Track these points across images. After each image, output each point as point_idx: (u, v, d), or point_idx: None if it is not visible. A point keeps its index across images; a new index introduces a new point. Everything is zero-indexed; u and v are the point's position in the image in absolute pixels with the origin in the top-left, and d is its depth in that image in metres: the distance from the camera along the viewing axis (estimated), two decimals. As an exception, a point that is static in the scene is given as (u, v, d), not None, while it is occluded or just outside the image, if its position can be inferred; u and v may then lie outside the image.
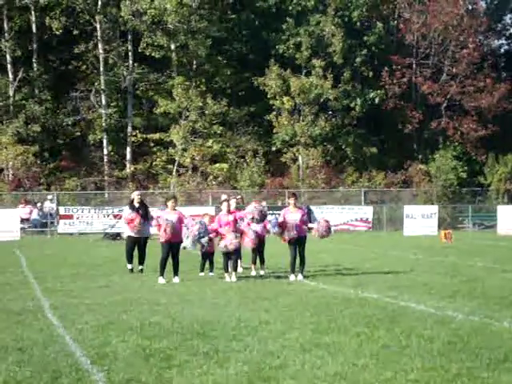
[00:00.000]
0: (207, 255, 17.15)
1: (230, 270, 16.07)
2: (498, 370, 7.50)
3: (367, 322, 10.31)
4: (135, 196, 18.17)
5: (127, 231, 18.24)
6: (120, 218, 18.65)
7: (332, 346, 8.70)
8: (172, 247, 15.80)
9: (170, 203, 16.08)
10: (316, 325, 10.11)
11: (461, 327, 9.86)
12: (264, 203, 18.13)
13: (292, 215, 16.25)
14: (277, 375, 7.35)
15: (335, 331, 9.62)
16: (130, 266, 17.97)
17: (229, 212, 16.21)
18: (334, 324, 10.15)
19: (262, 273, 17.42)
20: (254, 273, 17.52)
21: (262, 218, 16.42)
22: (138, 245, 17.99)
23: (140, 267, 17.97)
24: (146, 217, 17.72)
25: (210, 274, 17.14)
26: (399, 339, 9.06)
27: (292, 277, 16.09)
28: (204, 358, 8.12)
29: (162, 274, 15.76)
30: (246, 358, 8.07)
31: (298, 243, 16.27)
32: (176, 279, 15.82)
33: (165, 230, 15.55)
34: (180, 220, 15.85)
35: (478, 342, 8.82)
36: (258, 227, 16.66)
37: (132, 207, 17.88)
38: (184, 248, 16.20)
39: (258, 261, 17.73)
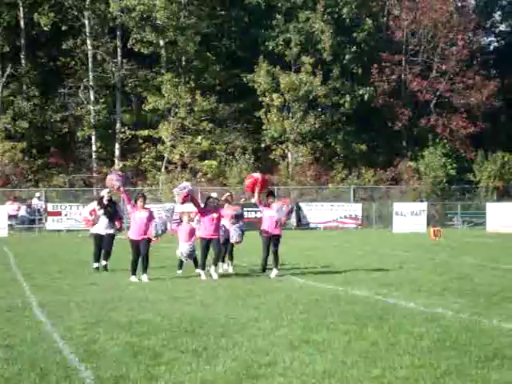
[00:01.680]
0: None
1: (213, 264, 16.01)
2: (487, 367, 7.49)
3: (356, 319, 10.30)
4: (105, 194, 18.05)
5: (94, 229, 18.06)
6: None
7: (321, 343, 8.68)
8: (139, 245, 15.58)
9: (139, 202, 15.73)
10: (305, 322, 10.09)
11: (450, 324, 9.86)
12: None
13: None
14: (266, 372, 7.32)
15: (324, 329, 9.60)
16: (95, 265, 17.74)
17: (214, 208, 16.08)
18: (323, 321, 10.14)
19: (230, 270, 17.35)
20: (221, 270, 17.31)
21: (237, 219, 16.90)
22: (103, 241, 17.80)
23: (104, 263, 17.74)
24: (113, 214, 17.77)
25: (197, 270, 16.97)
26: (388, 336, 9.05)
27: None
28: (192, 356, 8.09)
29: (133, 273, 15.51)
30: (234, 356, 8.05)
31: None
32: (144, 277, 15.44)
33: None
34: (149, 218, 15.73)
35: (467, 340, 8.82)
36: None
37: (100, 204, 17.86)
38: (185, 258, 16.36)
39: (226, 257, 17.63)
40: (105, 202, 17.88)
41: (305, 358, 7.89)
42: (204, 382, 7.05)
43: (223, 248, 17.03)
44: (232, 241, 16.81)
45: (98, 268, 17.67)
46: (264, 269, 16.22)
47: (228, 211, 16.80)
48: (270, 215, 16.23)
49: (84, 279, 15.85)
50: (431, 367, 7.47)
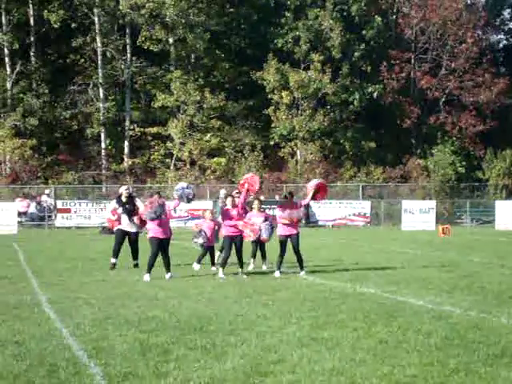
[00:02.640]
0: (208, 248, 17.03)
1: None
2: (495, 365, 7.49)
3: (365, 316, 10.30)
4: (123, 191, 17.90)
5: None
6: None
7: (330, 340, 8.69)
8: (161, 243, 15.43)
9: (155, 198, 15.54)
10: (314, 319, 10.10)
11: (458, 322, 9.85)
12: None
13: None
14: (274, 370, 7.34)
15: (333, 326, 9.61)
16: (113, 260, 17.53)
17: (234, 206, 15.89)
18: (332, 319, 10.14)
19: (264, 268, 17.24)
20: (251, 267, 17.40)
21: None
22: (128, 240, 17.71)
23: (134, 262, 17.73)
24: (132, 212, 17.49)
25: (213, 268, 16.88)
26: (397, 334, 9.05)
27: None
28: (201, 353, 8.11)
29: (148, 272, 15.23)
30: (243, 353, 8.06)
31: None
32: (168, 275, 15.37)
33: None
34: (167, 213, 15.68)
35: (476, 337, 8.81)
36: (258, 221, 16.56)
37: (119, 202, 17.64)
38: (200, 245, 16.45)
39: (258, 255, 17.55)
40: (123, 199, 17.64)
41: (313, 356, 7.90)
42: (212, 378, 7.07)
43: (254, 246, 17.18)
44: (261, 238, 16.25)
45: (114, 264, 17.48)
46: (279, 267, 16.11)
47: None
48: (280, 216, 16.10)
49: (93, 276, 15.88)
50: (440, 365, 7.47)
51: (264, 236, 16.09)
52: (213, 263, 17.14)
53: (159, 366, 7.54)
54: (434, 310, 10.88)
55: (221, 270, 15.67)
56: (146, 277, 15.18)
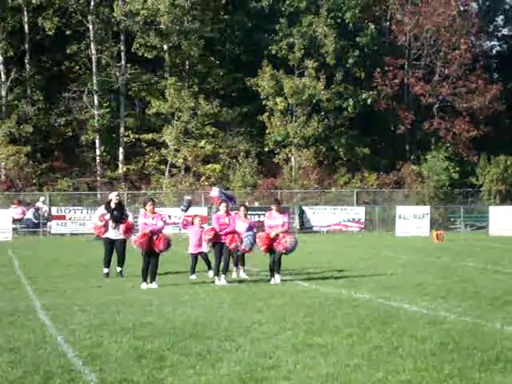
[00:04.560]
0: (196, 256, 16.96)
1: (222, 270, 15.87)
2: (490, 370, 7.52)
3: (359, 322, 10.32)
4: (113, 197, 17.63)
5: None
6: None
7: (324, 346, 8.71)
8: (150, 253, 15.17)
9: (148, 207, 15.27)
10: (308, 325, 10.12)
11: (453, 328, 9.88)
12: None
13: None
14: (269, 376, 7.35)
15: (327, 332, 9.63)
16: (105, 270, 17.27)
17: (227, 214, 15.84)
18: (327, 325, 10.16)
19: (243, 276, 17.10)
20: (234, 275, 17.23)
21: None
22: (115, 247, 17.43)
23: (118, 269, 17.40)
24: (120, 219, 17.28)
25: (210, 273, 16.67)
26: (391, 340, 9.07)
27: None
28: (196, 359, 8.12)
29: (144, 280, 15.12)
30: (238, 359, 8.08)
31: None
32: (153, 285, 15.06)
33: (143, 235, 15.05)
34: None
35: (470, 343, 8.84)
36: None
37: (107, 208, 17.40)
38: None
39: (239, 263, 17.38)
40: (112, 205, 17.42)
41: (308, 361, 7.92)
42: (208, 384, 7.08)
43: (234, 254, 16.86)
44: (240, 249, 16.08)
45: (107, 274, 17.23)
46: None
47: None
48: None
49: (88, 283, 15.88)
50: (434, 370, 7.49)
51: (245, 247, 15.92)
52: (209, 267, 16.91)
53: (154, 372, 7.55)
54: (429, 316, 10.90)
55: (222, 276, 15.65)
56: (143, 285, 15.10)
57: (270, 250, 15.69)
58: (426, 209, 39.97)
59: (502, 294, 13.38)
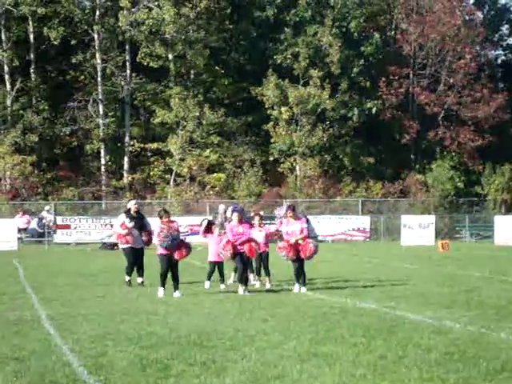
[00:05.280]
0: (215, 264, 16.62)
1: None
2: (495, 380, 7.49)
3: (364, 332, 10.30)
4: (132, 205, 17.57)
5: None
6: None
7: (329, 355, 8.69)
8: (170, 260, 15.16)
9: (164, 218, 15.19)
10: (314, 335, 10.10)
11: (458, 337, 9.85)
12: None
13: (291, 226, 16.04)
14: (274, 385, 7.34)
15: (333, 341, 9.61)
16: (127, 278, 17.19)
17: (240, 222, 15.65)
18: (332, 334, 10.14)
19: (267, 286, 16.88)
20: (257, 284, 17.13)
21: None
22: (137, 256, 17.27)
23: (140, 280, 17.31)
24: (141, 227, 17.18)
25: (222, 286, 16.47)
26: (396, 349, 9.05)
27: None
28: (201, 368, 8.10)
29: (162, 285, 15.14)
30: (243, 368, 8.06)
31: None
32: (176, 293, 15.05)
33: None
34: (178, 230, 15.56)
35: (476, 352, 8.81)
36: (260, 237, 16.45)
37: (129, 215, 17.25)
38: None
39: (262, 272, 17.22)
40: (132, 213, 17.31)
41: (313, 371, 7.90)
42: (212, 394, 7.07)
43: (257, 263, 16.96)
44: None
45: (130, 281, 17.10)
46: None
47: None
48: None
49: (93, 292, 15.88)
50: (440, 380, 7.47)
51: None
52: (222, 280, 16.61)
53: (159, 382, 7.54)
54: (434, 325, 10.88)
55: (240, 286, 15.50)
56: (160, 291, 15.08)
57: (296, 257, 15.67)
58: (431, 218, 39.93)
59: (507, 304, 13.35)
